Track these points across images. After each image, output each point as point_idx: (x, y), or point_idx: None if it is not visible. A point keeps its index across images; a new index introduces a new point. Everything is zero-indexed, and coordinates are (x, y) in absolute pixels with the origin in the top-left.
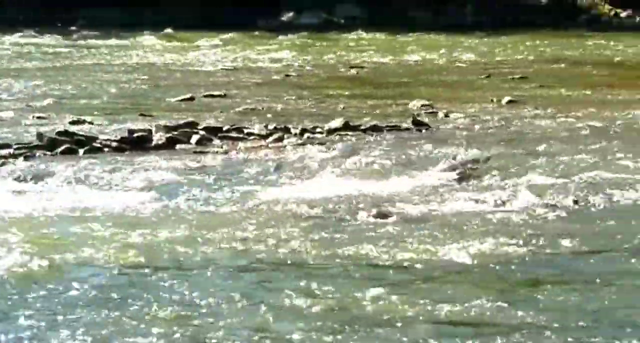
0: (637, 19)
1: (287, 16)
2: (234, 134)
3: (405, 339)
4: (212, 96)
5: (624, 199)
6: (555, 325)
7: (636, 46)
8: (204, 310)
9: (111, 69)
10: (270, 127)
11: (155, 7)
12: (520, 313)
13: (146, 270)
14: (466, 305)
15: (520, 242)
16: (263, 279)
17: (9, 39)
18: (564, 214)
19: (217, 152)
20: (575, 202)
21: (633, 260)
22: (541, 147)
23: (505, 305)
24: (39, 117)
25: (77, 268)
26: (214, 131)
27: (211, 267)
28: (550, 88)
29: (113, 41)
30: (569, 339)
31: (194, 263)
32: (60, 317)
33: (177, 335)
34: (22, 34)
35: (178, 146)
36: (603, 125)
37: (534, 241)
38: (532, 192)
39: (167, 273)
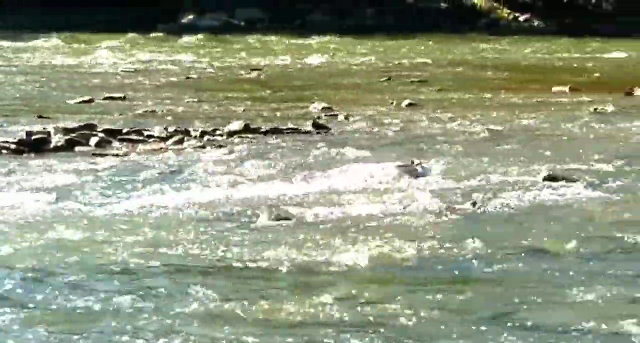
0: (536, 22)
1: (188, 18)
2: (133, 136)
3: (301, 341)
4: (112, 98)
5: (519, 201)
6: (452, 324)
7: (534, 50)
8: (90, 316)
9: (9, 71)
10: (170, 129)
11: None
12: (420, 313)
13: (37, 274)
14: (363, 306)
15: (419, 244)
16: (156, 283)
17: None
18: (462, 217)
19: (116, 154)
20: (474, 204)
21: (529, 261)
22: (439, 150)
23: (402, 306)
24: None
25: None
26: (113, 133)
27: (103, 270)
28: (450, 91)
29: (12, 43)
30: (469, 340)
31: (86, 267)
32: None
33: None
34: None
35: (77, 148)
36: (500, 128)
37: (432, 243)
38: (431, 195)
39: (57, 276)
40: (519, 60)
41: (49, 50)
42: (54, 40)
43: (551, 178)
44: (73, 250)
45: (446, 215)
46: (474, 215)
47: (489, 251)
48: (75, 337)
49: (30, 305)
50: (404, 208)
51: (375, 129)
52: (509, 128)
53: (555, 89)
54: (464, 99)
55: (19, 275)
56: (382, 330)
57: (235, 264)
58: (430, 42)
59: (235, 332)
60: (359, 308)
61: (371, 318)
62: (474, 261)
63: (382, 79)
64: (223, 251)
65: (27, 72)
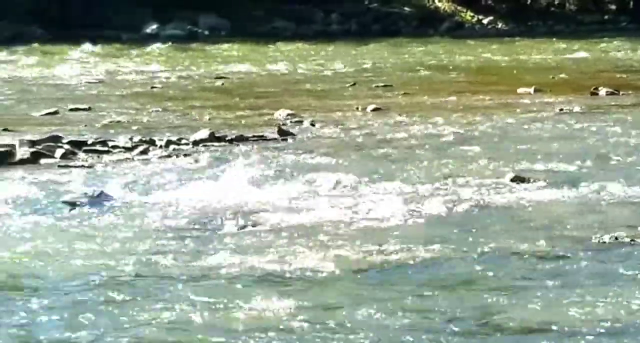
0: (499, 25)
1: (152, 28)
2: (99, 147)
3: None
4: (77, 109)
5: (486, 203)
6: (420, 327)
7: (498, 52)
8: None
9: None
10: (136, 139)
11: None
12: (384, 316)
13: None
14: (329, 310)
15: (388, 248)
16: (125, 293)
17: None
18: (428, 220)
19: (82, 165)
20: (440, 207)
21: (496, 262)
22: (406, 154)
23: (370, 309)
24: None
25: None
26: (78, 145)
27: (69, 281)
28: (414, 95)
29: None
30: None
31: (53, 279)
32: None
33: None
34: None
35: (42, 160)
36: (466, 130)
37: (401, 247)
38: (398, 199)
39: (16, 291)
40: (484, 63)
41: (12, 62)
42: (17, 52)
43: (518, 179)
44: (38, 262)
45: (412, 219)
46: (441, 218)
47: (456, 254)
48: None
49: None
50: (370, 212)
51: (341, 135)
52: (474, 130)
53: (520, 90)
54: (428, 102)
55: None
56: (348, 336)
57: (205, 272)
58: (395, 47)
59: (199, 339)
60: (323, 313)
61: (335, 324)
62: (441, 264)
63: (347, 85)
64: (189, 260)
65: None
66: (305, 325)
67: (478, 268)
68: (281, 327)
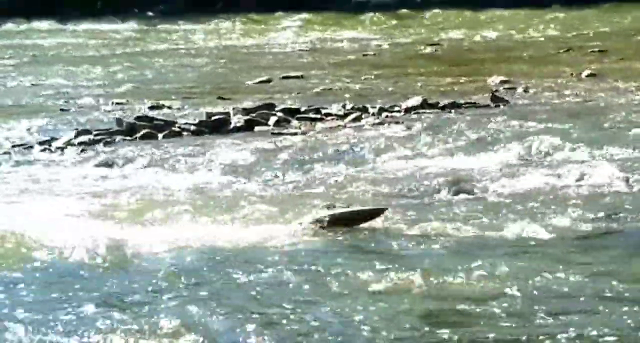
0: None
1: None
2: (311, 115)
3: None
4: (290, 77)
5: None
6: (629, 295)
7: None
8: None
9: (187, 53)
10: (348, 107)
11: None
12: (601, 285)
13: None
14: (551, 278)
15: (599, 216)
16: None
17: (84, 26)
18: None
19: (294, 133)
20: None
21: None
22: (622, 121)
23: (586, 278)
24: (117, 103)
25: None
26: (291, 112)
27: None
28: (630, 60)
29: (190, 26)
30: None
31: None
32: None
33: None
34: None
35: (256, 128)
36: None
37: (614, 216)
38: (613, 166)
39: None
40: None
41: (225, 31)
42: (230, 21)
43: None
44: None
45: (627, 187)
46: None
47: None
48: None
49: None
50: (583, 179)
51: (555, 101)
52: None
53: None
54: None
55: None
56: (569, 303)
57: (426, 237)
58: (607, 12)
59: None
60: (547, 279)
61: (545, 289)
62: None
63: (560, 50)
64: (412, 223)
65: (205, 54)
66: (517, 290)
67: None
68: (495, 292)
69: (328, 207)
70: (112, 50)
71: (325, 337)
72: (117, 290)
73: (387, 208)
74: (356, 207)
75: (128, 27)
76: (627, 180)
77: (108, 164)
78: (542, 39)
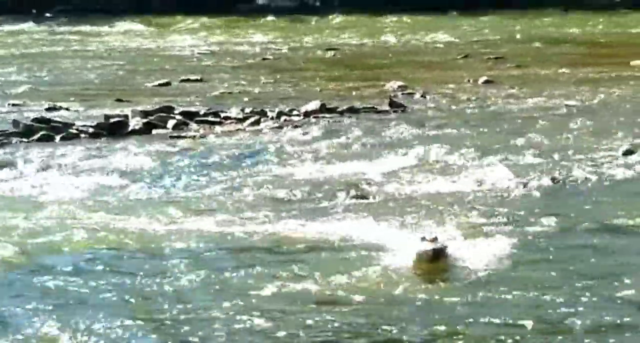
0: None
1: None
2: (210, 118)
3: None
4: (189, 80)
5: (598, 176)
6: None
7: (610, 24)
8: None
9: (86, 55)
10: (247, 110)
11: None
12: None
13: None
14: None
15: (495, 219)
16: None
17: None
18: (539, 192)
19: (193, 136)
20: (553, 179)
21: (605, 236)
22: (518, 127)
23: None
24: (14, 104)
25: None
26: (190, 115)
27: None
28: (527, 67)
29: (88, 27)
30: None
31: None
32: None
33: None
34: None
35: (155, 131)
36: (578, 103)
37: (505, 219)
38: (508, 171)
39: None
40: (595, 36)
41: (124, 33)
42: (130, 23)
43: (631, 152)
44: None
45: (523, 191)
46: (549, 190)
47: (566, 226)
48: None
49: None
50: (478, 183)
51: (452, 107)
52: (587, 103)
53: (633, 63)
54: (540, 75)
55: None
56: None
57: (313, 242)
58: (505, 19)
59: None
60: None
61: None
62: (551, 235)
63: (458, 57)
64: (302, 230)
65: (104, 56)
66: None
67: (586, 241)
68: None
69: None
70: (9, 51)
71: None
72: None
73: None
74: None
75: (26, 28)
76: (524, 184)
77: (2, 166)
78: (441, 45)
